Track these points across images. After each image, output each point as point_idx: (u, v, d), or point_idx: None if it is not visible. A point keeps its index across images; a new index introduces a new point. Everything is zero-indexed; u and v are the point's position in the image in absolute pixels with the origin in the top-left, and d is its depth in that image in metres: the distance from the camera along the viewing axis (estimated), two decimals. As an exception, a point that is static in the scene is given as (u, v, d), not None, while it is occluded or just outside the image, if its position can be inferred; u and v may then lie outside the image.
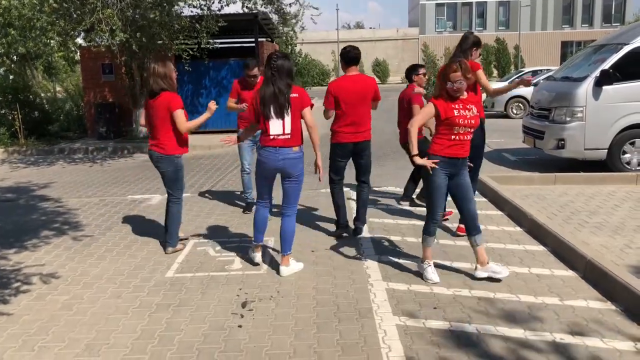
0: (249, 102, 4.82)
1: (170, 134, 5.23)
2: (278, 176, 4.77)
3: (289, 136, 4.58)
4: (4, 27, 16.01)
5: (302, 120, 4.68)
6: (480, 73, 5.42)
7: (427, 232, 4.56)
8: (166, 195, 5.54)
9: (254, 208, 5.43)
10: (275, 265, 4.96)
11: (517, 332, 3.63)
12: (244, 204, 7.13)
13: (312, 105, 4.74)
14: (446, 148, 4.37)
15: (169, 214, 5.48)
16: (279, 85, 4.50)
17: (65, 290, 4.60)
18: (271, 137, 4.57)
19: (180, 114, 5.16)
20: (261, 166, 4.68)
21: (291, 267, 4.80)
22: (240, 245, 5.59)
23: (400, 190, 7.72)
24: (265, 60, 4.67)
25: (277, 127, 4.54)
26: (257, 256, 4.99)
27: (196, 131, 14.64)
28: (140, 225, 6.47)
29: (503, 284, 4.42)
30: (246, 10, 13.40)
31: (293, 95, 4.58)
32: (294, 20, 13.89)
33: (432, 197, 4.48)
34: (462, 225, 5.53)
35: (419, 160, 4.39)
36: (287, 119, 4.56)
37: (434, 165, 4.34)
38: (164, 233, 5.59)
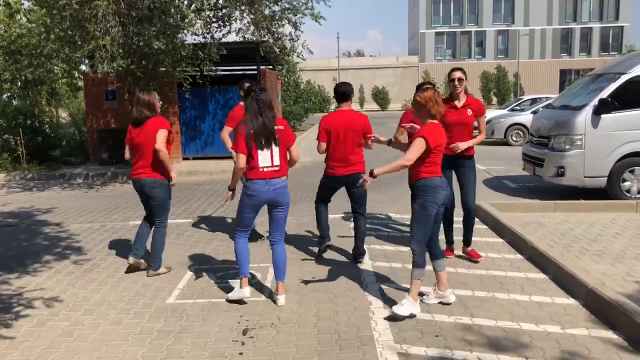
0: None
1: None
2: None
3: (278, 168, 4.63)
4: (13, 55, 16.29)
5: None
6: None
7: (419, 265, 4.40)
8: (167, 221, 5.62)
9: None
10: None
11: (519, 361, 3.61)
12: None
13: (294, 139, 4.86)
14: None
15: (155, 237, 5.56)
16: (267, 117, 4.56)
17: (66, 316, 4.59)
18: (260, 169, 4.56)
19: (163, 133, 5.30)
20: (251, 199, 4.62)
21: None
22: (242, 272, 5.59)
23: (399, 216, 7.75)
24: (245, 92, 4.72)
25: (266, 159, 4.56)
26: (248, 290, 4.76)
27: (198, 157, 14.74)
28: (141, 250, 6.47)
29: (504, 311, 4.41)
30: (241, 39, 13.59)
31: (279, 127, 4.65)
32: (289, 57, 14.28)
33: (426, 228, 4.39)
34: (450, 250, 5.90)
35: None
36: (276, 150, 4.60)
37: None
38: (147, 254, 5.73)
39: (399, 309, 4.28)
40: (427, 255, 4.54)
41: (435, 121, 4.38)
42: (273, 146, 4.58)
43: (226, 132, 6.42)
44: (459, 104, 5.54)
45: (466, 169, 5.64)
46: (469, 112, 5.52)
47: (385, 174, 4.46)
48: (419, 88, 6.83)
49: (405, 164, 4.29)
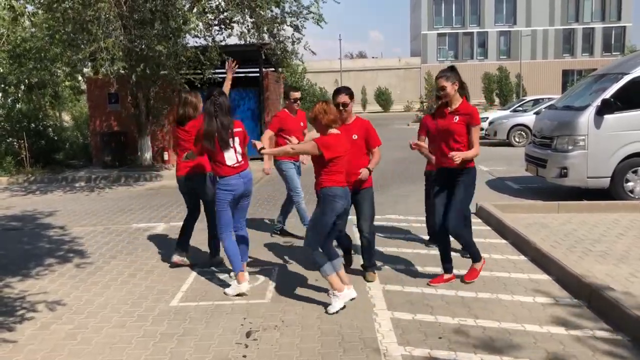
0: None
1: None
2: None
3: (242, 162, 5.07)
4: (18, 58, 16.36)
5: None
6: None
7: (320, 263, 4.54)
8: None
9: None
10: (281, 293, 4.96)
11: (523, 363, 3.60)
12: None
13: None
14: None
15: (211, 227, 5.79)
16: (222, 120, 4.87)
17: (69, 319, 4.60)
18: (230, 166, 4.94)
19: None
20: (229, 194, 4.94)
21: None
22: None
23: (401, 217, 7.75)
24: (206, 97, 5.00)
25: (230, 157, 4.95)
26: (246, 285, 5.01)
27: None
28: (144, 253, 6.48)
29: (508, 313, 4.40)
30: (242, 42, 13.58)
31: (237, 129, 5.02)
32: (289, 60, 14.43)
33: (321, 232, 4.56)
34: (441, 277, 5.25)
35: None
36: (238, 147, 5.02)
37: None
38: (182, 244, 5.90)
39: (332, 308, 4.48)
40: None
41: (335, 130, 4.58)
42: (236, 145, 4.98)
43: (266, 135, 6.62)
44: (449, 109, 4.97)
45: (456, 183, 4.97)
46: (456, 119, 4.89)
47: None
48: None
49: (289, 151, 4.77)
